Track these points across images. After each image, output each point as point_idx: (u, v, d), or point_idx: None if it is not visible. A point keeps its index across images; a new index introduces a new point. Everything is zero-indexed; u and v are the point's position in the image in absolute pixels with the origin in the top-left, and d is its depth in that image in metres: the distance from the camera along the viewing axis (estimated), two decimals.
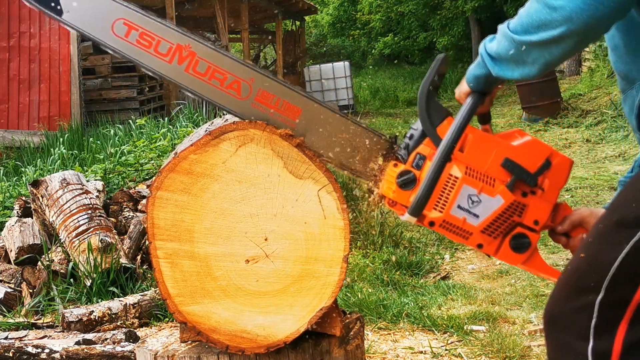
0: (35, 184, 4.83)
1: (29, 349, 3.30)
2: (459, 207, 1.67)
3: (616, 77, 1.68)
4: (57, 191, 4.69)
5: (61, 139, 8.81)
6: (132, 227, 4.76)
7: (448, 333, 3.52)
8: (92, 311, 3.86)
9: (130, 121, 8.52)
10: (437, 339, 3.47)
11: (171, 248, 1.83)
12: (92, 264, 4.25)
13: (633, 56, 1.58)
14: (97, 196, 5.01)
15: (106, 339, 3.54)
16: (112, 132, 8.40)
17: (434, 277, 4.53)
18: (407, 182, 1.72)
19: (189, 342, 1.97)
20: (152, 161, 6.12)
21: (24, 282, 4.42)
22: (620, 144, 8.91)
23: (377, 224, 5.00)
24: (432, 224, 1.70)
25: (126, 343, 3.44)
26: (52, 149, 8.22)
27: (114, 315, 3.89)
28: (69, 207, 4.58)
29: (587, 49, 13.20)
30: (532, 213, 1.68)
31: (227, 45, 13.65)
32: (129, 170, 6.05)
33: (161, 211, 1.82)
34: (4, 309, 4.24)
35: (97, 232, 4.41)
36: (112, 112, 10.57)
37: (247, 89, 1.84)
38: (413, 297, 4.03)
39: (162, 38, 1.81)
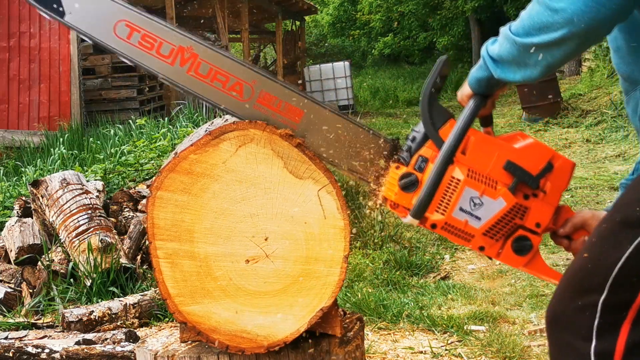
0: (35, 184, 4.83)
1: (29, 349, 3.30)
2: (461, 209, 1.67)
3: (619, 78, 1.68)
4: (57, 191, 4.69)
5: (61, 139, 8.81)
6: (132, 227, 4.76)
7: (448, 333, 3.52)
8: (92, 311, 3.86)
9: (130, 121, 8.52)
10: (437, 339, 3.47)
11: (171, 248, 1.83)
12: (92, 264, 4.25)
13: (636, 57, 1.58)
14: (97, 196, 5.01)
15: (106, 339, 3.54)
16: (112, 132, 8.40)
17: (434, 277, 4.53)
18: (409, 184, 1.71)
19: (189, 342, 1.97)
20: (152, 161, 6.12)
21: (24, 282, 4.42)
22: (620, 144, 8.91)
23: (377, 224, 5.01)
24: (434, 226, 1.70)
25: (126, 343, 3.44)
26: (52, 149, 8.22)
27: (114, 315, 3.89)
28: (69, 207, 4.58)
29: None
30: (534, 215, 1.68)
31: (227, 46, 13.65)
32: (129, 170, 6.05)
33: (161, 211, 1.82)
34: (4, 309, 4.24)
35: (97, 232, 4.41)
36: (112, 112, 10.57)
37: (249, 91, 1.84)
38: (413, 297, 4.03)
39: (164, 40, 1.81)
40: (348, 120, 1.86)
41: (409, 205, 1.71)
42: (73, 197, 4.64)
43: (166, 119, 8.85)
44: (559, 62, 1.44)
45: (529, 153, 1.67)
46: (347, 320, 2.08)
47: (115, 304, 3.95)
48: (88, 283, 4.26)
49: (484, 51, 1.56)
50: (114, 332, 3.64)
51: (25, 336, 3.73)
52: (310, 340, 1.93)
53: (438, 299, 4.01)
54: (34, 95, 10.19)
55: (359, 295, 3.92)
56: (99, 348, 3.30)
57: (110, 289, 4.25)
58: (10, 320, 4.03)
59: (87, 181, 5.26)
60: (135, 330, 3.76)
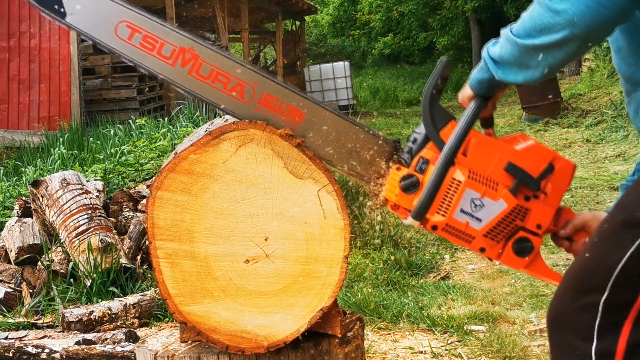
0: (35, 184, 4.83)
1: (29, 349, 3.30)
2: (462, 211, 1.67)
3: (619, 78, 1.68)
4: (57, 191, 4.69)
5: (61, 139, 8.81)
6: (132, 227, 4.76)
7: (448, 333, 3.52)
8: (92, 311, 3.86)
9: (130, 121, 8.52)
10: (437, 339, 3.47)
11: (171, 248, 1.83)
12: (92, 264, 4.25)
13: (637, 58, 1.57)
14: (97, 196, 5.01)
15: (106, 339, 3.54)
16: (112, 132, 8.40)
17: (434, 277, 4.53)
18: (410, 185, 1.71)
19: (189, 342, 1.97)
20: (152, 161, 6.12)
21: (24, 282, 4.42)
22: (620, 144, 8.91)
23: (377, 224, 5.01)
24: (435, 227, 1.70)
25: (126, 343, 3.44)
26: (52, 149, 8.21)
27: (114, 315, 3.89)
28: (69, 207, 4.58)
29: None
30: (535, 217, 1.68)
31: (227, 46, 13.65)
32: (129, 170, 6.05)
33: (161, 211, 1.82)
34: (4, 309, 4.24)
35: (97, 232, 4.41)
36: (112, 112, 10.57)
37: (251, 92, 1.83)
38: (413, 297, 4.03)
39: (165, 41, 1.81)
40: (349, 122, 1.85)
41: (410, 207, 1.71)
42: (73, 197, 4.64)
43: (166, 119, 8.85)
44: (560, 64, 1.44)
45: (530, 155, 1.67)
46: (347, 321, 2.08)
47: (115, 304, 3.95)
48: (88, 283, 4.26)
49: (485, 53, 1.56)
50: (114, 332, 3.64)
51: (25, 336, 3.73)
52: (310, 341, 1.93)
53: (438, 299, 4.01)
54: (34, 95, 10.19)
55: (359, 296, 3.92)
56: (99, 348, 3.30)
57: (110, 289, 4.25)
58: (10, 320, 4.03)
59: (87, 181, 5.26)
60: (135, 330, 3.76)
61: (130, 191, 5.30)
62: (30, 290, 4.37)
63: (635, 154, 8.18)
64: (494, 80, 1.56)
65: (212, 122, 2.05)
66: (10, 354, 3.27)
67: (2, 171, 7.75)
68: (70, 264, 4.38)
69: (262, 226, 1.83)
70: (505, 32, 1.49)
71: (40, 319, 4.14)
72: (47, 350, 3.30)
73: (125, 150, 6.76)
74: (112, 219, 4.91)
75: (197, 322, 1.86)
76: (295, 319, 1.86)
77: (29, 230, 4.71)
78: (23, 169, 7.52)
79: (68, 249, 4.44)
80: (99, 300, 4.16)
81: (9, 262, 4.70)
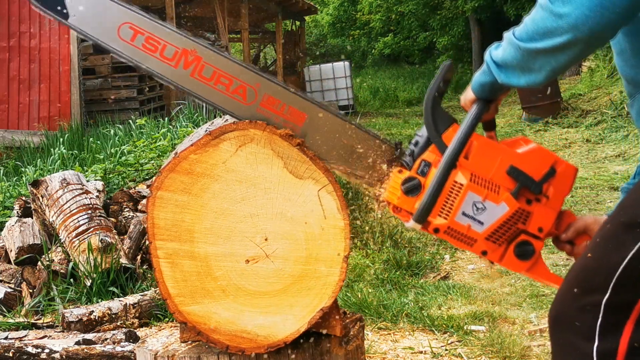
0: (35, 184, 4.83)
1: (29, 349, 3.30)
2: (464, 214, 1.68)
3: (619, 79, 1.68)
4: (57, 191, 4.69)
5: (61, 139, 8.81)
6: (132, 227, 4.76)
7: (448, 333, 3.52)
8: (92, 311, 3.86)
9: (130, 121, 8.52)
10: (437, 339, 3.47)
11: (171, 248, 1.83)
12: (92, 264, 4.25)
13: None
14: (97, 196, 5.01)
15: (106, 339, 3.54)
16: (112, 132, 8.39)
17: (434, 277, 4.53)
18: (412, 188, 1.72)
19: (189, 342, 1.97)
20: (152, 161, 6.11)
21: (24, 282, 4.42)
22: (620, 144, 8.91)
23: (377, 224, 5.01)
24: (436, 230, 1.70)
25: (126, 343, 3.44)
26: (52, 149, 8.21)
27: (114, 315, 3.89)
28: (69, 207, 4.58)
29: None
30: (537, 220, 1.69)
31: (227, 46, 13.65)
32: (129, 170, 6.05)
33: (161, 211, 1.82)
34: (4, 309, 4.24)
35: (97, 232, 4.41)
36: (112, 112, 10.56)
37: (253, 94, 1.83)
38: (413, 297, 4.03)
39: (167, 42, 1.81)
40: (350, 124, 1.85)
41: (412, 210, 1.71)
42: (73, 197, 4.64)
43: (166, 119, 8.85)
44: (563, 67, 1.44)
45: (532, 158, 1.68)
46: (347, 320, 2.08)
47: (115, 304, 3.95)
48: (88, 283, 4.26)
49: (488, 56, 1.56)
50: (114, 332, 3.64)
51: (25, 336, 3.73)
52: (310, 340, 1.93)
53: (438, 299, 4.01)
54: (34, 95, 10.19)
55: (359, 296, 3.92)
56: (99, 348, 3.30)
57: (110, 289, 4.25)
58: (10, 320, 4.03)
59: (87, 181, 5.26)
60: (135, 330, 3.76)
61: (130, 191, 5.30)
62: (30, 290, 4.37)
63: (635, 154, 8.18)
64: (496, 84, 1.56)
65: (212, 122, 2.05)
66: (10, 354, 3.27)
67: (2, 171, 7.75)
68: (70, 264, 4.38)
69: (262, 226, 1.84)
70: (508, 35, 1.49)
71: (40, 319, 4.14)
72: (47, 350, 3.30)
73: (125, 150, 6.76)
74: (112, 219, 4.91)
75: (197, 322, 1.86)
76: (295, 319, 1.86)
77: (29, 230, 4.71)
78: (23, 169, 7.52)
79: (68, 249, 4.44)
80: (99, 300, 4.16)
81: (9, 262, 4.70)
